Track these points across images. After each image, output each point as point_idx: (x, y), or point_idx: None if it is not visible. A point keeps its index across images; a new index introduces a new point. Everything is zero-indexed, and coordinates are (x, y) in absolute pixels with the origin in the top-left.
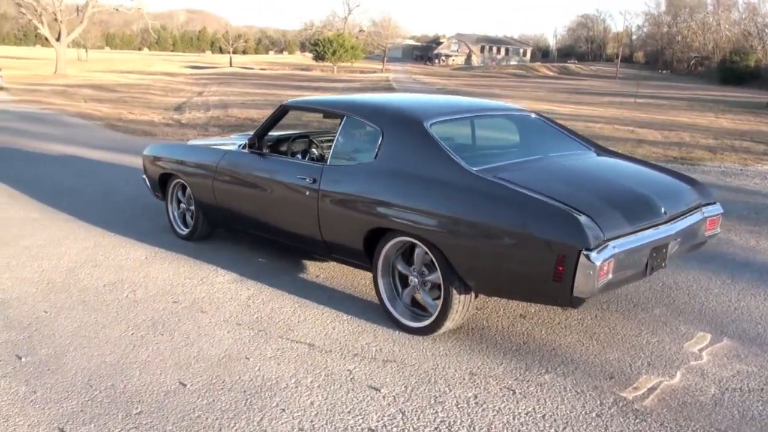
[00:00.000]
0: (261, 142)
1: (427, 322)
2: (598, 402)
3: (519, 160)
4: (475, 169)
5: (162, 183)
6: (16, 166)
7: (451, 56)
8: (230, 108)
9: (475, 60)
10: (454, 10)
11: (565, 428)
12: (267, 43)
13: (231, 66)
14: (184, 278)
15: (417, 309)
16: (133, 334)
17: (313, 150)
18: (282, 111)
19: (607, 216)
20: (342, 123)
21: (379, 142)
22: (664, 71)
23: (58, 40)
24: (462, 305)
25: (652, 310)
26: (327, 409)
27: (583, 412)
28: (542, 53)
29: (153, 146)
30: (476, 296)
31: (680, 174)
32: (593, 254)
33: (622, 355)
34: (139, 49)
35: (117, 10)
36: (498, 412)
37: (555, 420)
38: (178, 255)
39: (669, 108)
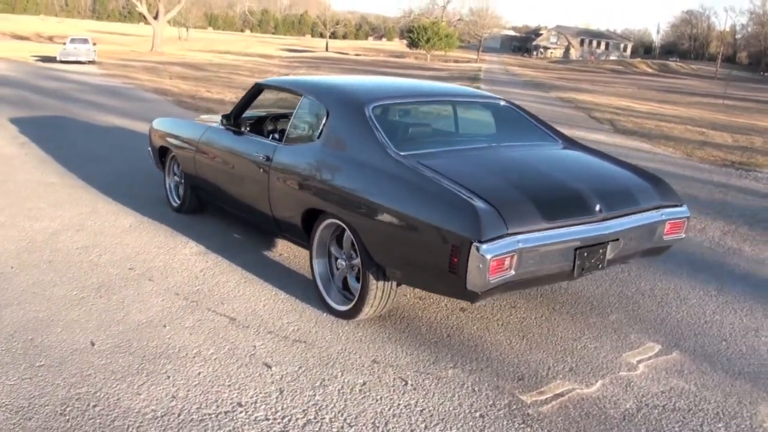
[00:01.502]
0: (237, 119)
1: (348, 307)
2: (491, 402)
3: (457, 147)
4: (403, 153)
5: (162, 156)
6: (64, 135)
7: (549, 48)
8: None
9: (574, 53)
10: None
11: (438, 424)
12: (367, 29)
13: (327, 50)
14: (154, 247)
15: (348, 293)
16: (75, 294)
17: (283, 129)
18: (256, 89)
19: (518, 209)
20: (299, 103)
21: (323, 122)
22: (766, 73)
23: (155, 18)
24: (381, 291)
25: (608, 316)
26: (209, 381)
27: (468, 411)
28: (645, 49)
29: (158, 120)
30: (398, 284)
31: (645, 173)
32: (483, 247)
33: (546, 357)
34: (241, 30)
35: None
36: (377, 401)
37: (432, 415)
38: (161, 225)
39: (756, 112)
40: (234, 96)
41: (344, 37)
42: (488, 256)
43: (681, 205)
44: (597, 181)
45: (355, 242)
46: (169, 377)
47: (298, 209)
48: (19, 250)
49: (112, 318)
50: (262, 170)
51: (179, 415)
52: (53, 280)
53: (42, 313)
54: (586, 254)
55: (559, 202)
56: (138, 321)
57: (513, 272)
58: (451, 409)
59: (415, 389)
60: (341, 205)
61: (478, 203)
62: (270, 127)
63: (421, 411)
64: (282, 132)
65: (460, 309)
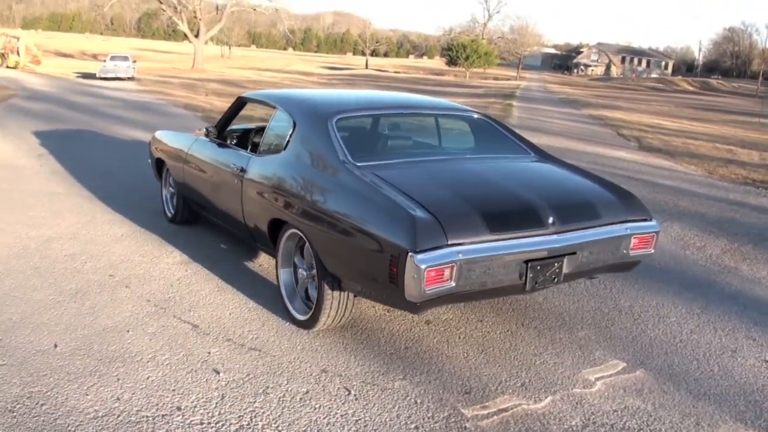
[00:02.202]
0: (221, 131)
1: (307, 317)
2: (429, 414)
3: (418, 159)
4: (359, 164)
5: (159, 167)
6: (81, 148)
7: (590, 66)
8: None
9: (615, 71)
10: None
11: (379, 430)
12: (408, 47)
13: (366, 68)
14: (139, 256)
15: (310, 303)
16: (52, 298)
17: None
18: (239, 102)
19: (461, 220)
20: (273, 115)
21: (290, 133)
22: None
23: (197, 36)
24: (338, 302)
25: (578, 332)
26: (156, 385)
27: (404, 423)
28: (687, 67)
29: (158, 132)
30: (355, 295)
31: (613, 187)
32: (418, 257)
33: (500, 372)
34: (284, 49)
35: (255, 9)
36: (315, 410)
37: (366, 426)
38: (152, 235)
39: None
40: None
41: (385, 55)
42: (423, 266)
43: (649, 220)
44: (555, 194)
45: (312, 251)
46: (119, 380)
47: (265, 219)
48: (10, 255)
49: (80, 322)
50: (237, 181)
51: (119, 417)
52: (35, 285)
53: (16, 315)
54: (539, 267)
55: (508, 214)
56: (104, 326)
57: (453, 284)
58: (387, 420)
59: (356, 399)
60: (299, 214)
61: (419, 213)
62: (254, 140)
63: (357, 421)
64: (258, 144)
65: (425, 322)
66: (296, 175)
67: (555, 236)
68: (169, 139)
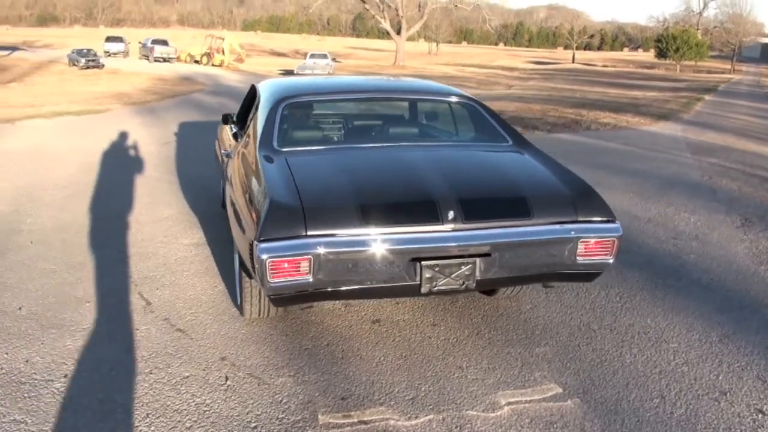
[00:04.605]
0: (233, 119)
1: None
2: (282, 416)
3: (347, 146)
4: (282, 149)
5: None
6: (209, 137)
7: None
8: (511, 102)
9: None
10: None
11: (202, 425)
12: (623, 39)
13: (573, 62)
14: (163, 235)
15: None
16: (53, 269)
17: None
18: (252, 90)
19: (331, 210)
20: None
21: (251, 118)
22: None
23: (398, 33)
24: (255, 290)
25: (535, 348)
26: (68, 353)
27: (246, 419)
28: None
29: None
30: None
31: (573, 182)
32: (261, 246)
33: (401, 381)
34: (495, 44)
35: (456, 6)
36: (177, 394)
37: (208, 416)
38: (192, 219)
39: None
40: None
41: (599, 48)
42: (264, 257)
43: (611, 222)
44: (472, 187)
45: None
46: (42, 344)
47: (228, 201)
48: (47, 228)
49: (58, 291)
50: (226, 166)
51: (12, 376)
52: (51, 256)
53: (12, 280)
54: (437, 268)
55: (393, 206)
56: (76, 296)
57: (311, 278)
58: (234, 414)
59: (226, 390)
60: (229, 196)
61: (280, 201)
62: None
63: (204, 411)
64: None
65: (373, 320)
66: (236, 158)
67: (453, 233)
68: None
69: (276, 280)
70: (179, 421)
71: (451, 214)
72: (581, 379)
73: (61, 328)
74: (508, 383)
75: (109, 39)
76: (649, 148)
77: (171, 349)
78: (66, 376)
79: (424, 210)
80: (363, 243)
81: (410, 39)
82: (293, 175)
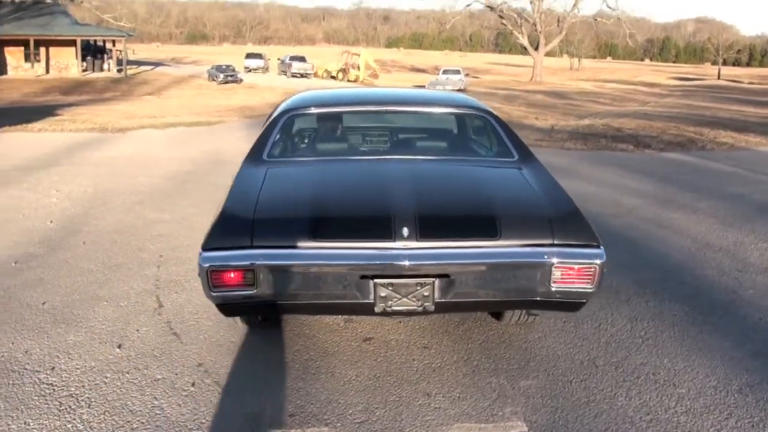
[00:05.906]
0: None
1: None
2: (226, 424)
3: (331, 158)
4: (268, 159)
5: None
6: None
7: None
8: (635, 119)
9: None
10: None
11: (160, 426)
12: None
13: (718, 78)
14: (186, 230)
15: None
16: (90, 268)
17: None
18: None
19: (279, 223)
20: None
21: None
22: None
23: (536, 49)
24: None
25: (521, 381)
26: (66, 347)
27: (195, 425)
28: None
29: None
30: None
31: (558, 202)
32: (203, 255)
33: (358, 403)
34: (641, 60)
35: (596, 20)
36: (142, 395)
37: (156, 418)
38: None
39: None
40: (558, 123)
41: (747, 64)
42: (206, 265)
43: (593, 246)
44: (437, 205)
45: None
46: (47, 337)
47: None
48: (105, 230)
49: (85, 290)
50: None
51: (8, 364)
52: (89, 255)
53: (46, 276)
54: (391, 287)
55: (344, 221)
56: (97, 295)
57: (254, 290)
58: (181, 420)
59: (188, 395)
60: None
61: (232, 212)
62: None
63: (156, 414)
64: None
65: (364, 339)
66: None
67: (405, 251)
68: None
69: (219, 290)
70: (128, 421)
71: (405, 232)
72: (554, 419)
73: (69, 324)
74: (470, 416)
75: (249, 55)
76: (757, 171)
77: (157, 352)
78: (53, 368)
79: (377, 226)
80: (308, 257)
81: (552, 54)
82: (263, 186)
